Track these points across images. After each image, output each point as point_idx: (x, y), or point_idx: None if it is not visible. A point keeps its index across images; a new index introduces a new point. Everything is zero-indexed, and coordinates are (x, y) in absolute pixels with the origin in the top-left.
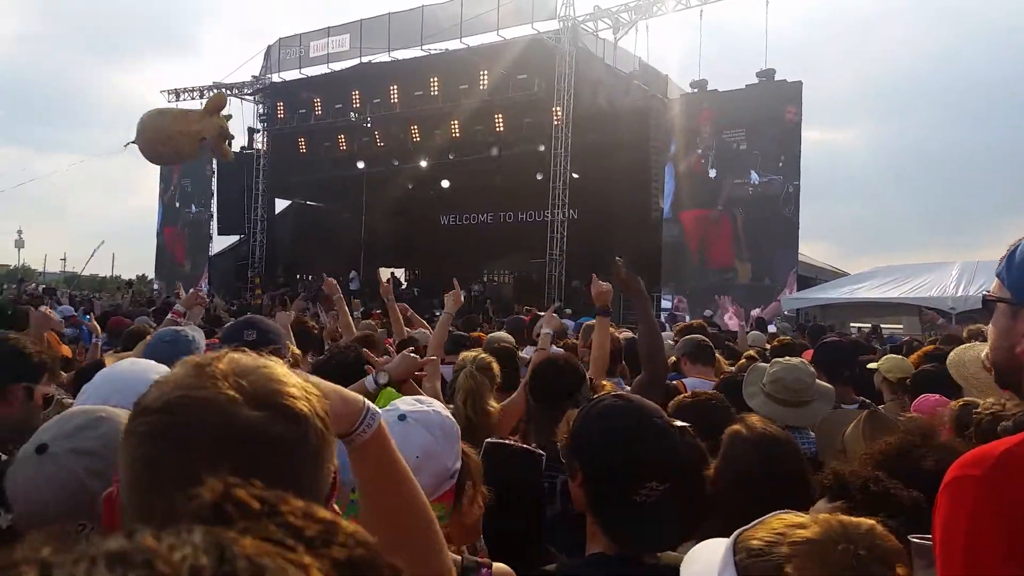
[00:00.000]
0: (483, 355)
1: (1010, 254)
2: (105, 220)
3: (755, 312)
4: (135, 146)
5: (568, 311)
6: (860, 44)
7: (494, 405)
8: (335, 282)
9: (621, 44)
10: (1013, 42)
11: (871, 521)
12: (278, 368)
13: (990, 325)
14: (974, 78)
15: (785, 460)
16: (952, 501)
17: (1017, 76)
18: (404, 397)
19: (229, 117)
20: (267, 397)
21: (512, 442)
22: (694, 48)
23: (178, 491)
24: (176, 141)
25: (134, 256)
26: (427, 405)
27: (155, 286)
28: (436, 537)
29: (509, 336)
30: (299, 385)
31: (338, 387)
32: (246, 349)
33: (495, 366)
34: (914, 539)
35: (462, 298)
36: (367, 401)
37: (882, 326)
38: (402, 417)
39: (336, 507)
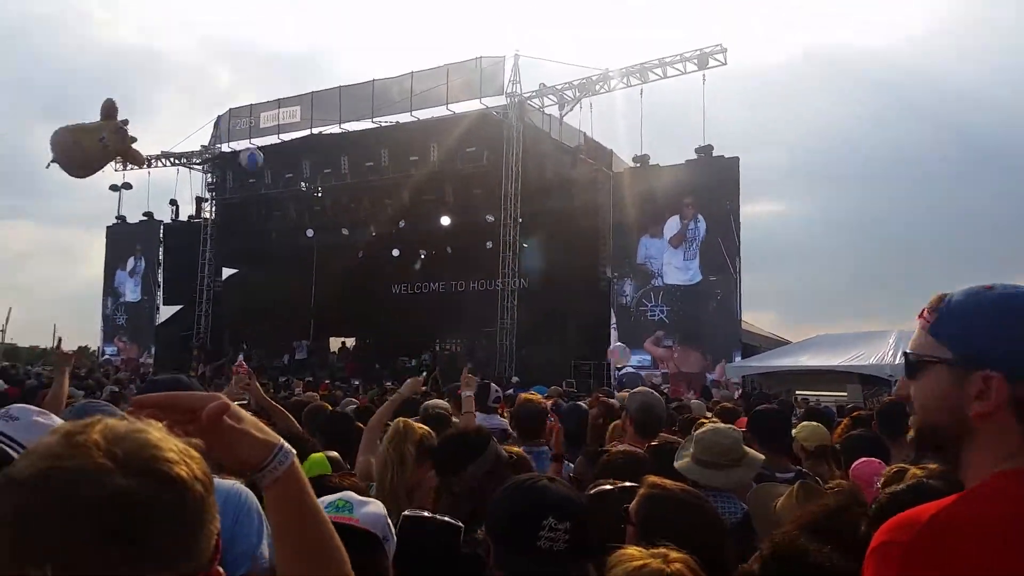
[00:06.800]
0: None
1: (940, 308)
2: (50, 290)
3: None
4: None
5: (515, 379)
6: (793, 119)
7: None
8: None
9: (567, 120)
10: (938, 119)
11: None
12: (154, 432)
13: (914, 386)
14: (907, 152)
15: (698, 512)
16: (879, 567)
17: (940, 151)
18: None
19: (125, 122)
20: (141, 463)
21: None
22: (636, 124)
23: (51, 563)
24: (81, 144)
25: (79, 327)
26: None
27: (105, 355)
28: None
29: (445, 403)
30: (176, 449)
31: (257, 421)
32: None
33: (418, 432)
34: None
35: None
36: (283, 440)
37: (827, 394)
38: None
39: (220, 570)
